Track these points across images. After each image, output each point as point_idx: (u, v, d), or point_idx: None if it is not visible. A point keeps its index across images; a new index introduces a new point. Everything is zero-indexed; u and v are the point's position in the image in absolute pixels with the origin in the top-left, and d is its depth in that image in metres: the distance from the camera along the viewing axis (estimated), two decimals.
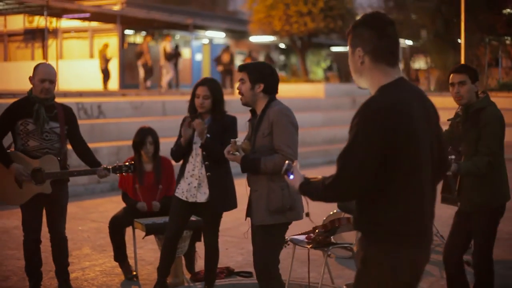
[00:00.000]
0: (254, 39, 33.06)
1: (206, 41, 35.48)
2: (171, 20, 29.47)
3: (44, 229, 6.24)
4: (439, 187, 7.26)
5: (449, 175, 5.40)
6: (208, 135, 5.79)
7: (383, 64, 3.19)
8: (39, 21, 27.98)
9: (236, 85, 5.23)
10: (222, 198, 5.95)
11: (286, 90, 24.59)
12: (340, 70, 36.70)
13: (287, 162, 3.51)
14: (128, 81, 29.72)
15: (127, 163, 6.28)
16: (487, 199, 5.27)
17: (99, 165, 6.20)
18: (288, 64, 38.48)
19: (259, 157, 4.92)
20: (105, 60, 26.23)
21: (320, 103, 22.46)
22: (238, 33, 34.00)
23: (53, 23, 28.48)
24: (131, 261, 7.05)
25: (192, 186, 5.95)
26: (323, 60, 39.40)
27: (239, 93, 5.13)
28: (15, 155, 5.97)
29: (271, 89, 5.10)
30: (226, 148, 5.10)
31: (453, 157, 5.32)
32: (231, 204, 6.03)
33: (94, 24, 29.88)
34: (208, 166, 5.88)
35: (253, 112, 5.20)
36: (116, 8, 28.75)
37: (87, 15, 25.82)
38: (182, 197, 5.98)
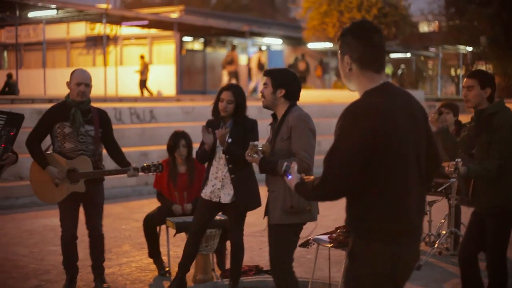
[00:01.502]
0: (312, 45, 33.26)
1: (263, 47, 35.82)
2: (228, 27, 29.90)
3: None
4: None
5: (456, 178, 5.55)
6: (230, 140, 6.07)
7: (369, 71, 3.37)
8: (100, 29, 28.75)
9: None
10: (245, 198, 6.21)
11: (339, 96, 24.76)
12: (401, 76, 36.63)
13: (285, 163, 3.75)
14: (185, 87, 30.28)
15: (155, 163, 6.59)
16: (499, 201, 5.39)
17: (129, 166, 6.53)
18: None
19: (276, 159, 5.15)
20: (145, 72, 26.98)
21: None
22: (295, 40, 34.24)
23: (114, 30, 29.27)
24: (165, 258, 7.36)
25: (216, 187, 6.23)
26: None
27: (262, 96, 5.39)
28: (51, 156, 6.36)
29: (292, 95, 5.34)
30: (247, 151, 5.36)
31: (459, 160, 5.47)
32: (255, 203, 6.29)
33: (153, 31, 30.51)
34: (232, 168, 6.15)
35: (274, 116, 5.45)
36: (174, 15, 29.31)
37: (145, 22, 26.42)
38: (205, 198, 6.26)
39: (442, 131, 5.82)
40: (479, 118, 5.46)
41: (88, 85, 6.37)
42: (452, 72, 43.18)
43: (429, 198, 8.30)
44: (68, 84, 6.38)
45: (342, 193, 3.35)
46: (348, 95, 24.47)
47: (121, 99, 20.58)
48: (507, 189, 5.38)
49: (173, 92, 28.14)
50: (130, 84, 28.34)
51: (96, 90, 27.79)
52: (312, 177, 3.55)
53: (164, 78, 29.20)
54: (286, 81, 5.32)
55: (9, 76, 25.17)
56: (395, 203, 3.26)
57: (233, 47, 28.45)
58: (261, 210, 6.50)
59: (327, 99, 24.37)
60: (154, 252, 7.29)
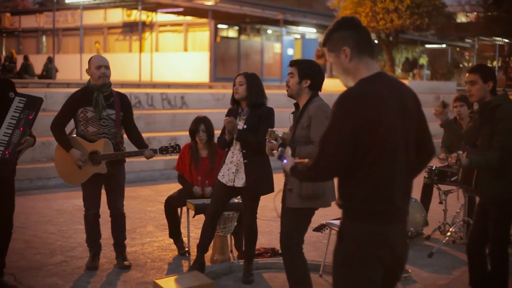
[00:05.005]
0: None
1: (297, 36, 35.98)
2: (262, 15, 30.11)
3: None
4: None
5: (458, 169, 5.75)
6: (245, 126, 6.34)
7: (365, 56, 3.58)
8: (137, 15, 29.17)
9: None
10: (258, 183, 6.46)
11: None
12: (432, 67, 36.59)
13: (280, 148, 4.00)
14: (220, 74, 30.57)
15: (172, 144, 6.87)
16: (501, 190, 5.57)
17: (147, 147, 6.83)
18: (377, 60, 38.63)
19: (295, 146, 5.40)
20: None
21: None
22: None
23: (149, 17, 29.63)
24: (185, 239, 7.67)
25: (231, 171, 6.51)
26: (418, 56, 39.32)
27: (287, 85, 5.64)
28: (74, 140, 6.70)
29: (316, 86, 5.58)
30: (266, 137, 5.63)
31: (460, 152, 5.68)
32: (268, 188, 6.53)
33: (189, 18, 30.82)
34: (246, 154, 6.42)
35: (296, 105, 5.71)
36: (209, 3, 29.58)
37: (180, 9, 26.74)
38: (222, 181, 6.54)
39: (446, 124, 6.01)
40: (483, 111, 5.65)
41: (107, 67, 6.68)
42: (489, 64, 42.91)
43: (444, 187, 8.52)
44: (88, 70, 6.70)
45: (334, 174, 3.58)
46: None
47: (155, 85, 20.93)
48: (509, 178, 5.56)
49: (207, 79, 28.45)
50: (165, 70, 28.73)
51: (132, 75, 28.17)
52: (306, 160, 3.78)
53: (198, 65, 29.55)
54: (312, 72, 5.56)
55: (49, 59, 25.69)
56: (379, 185, 3.45)
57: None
58: None
59: None
60: (174, 232, 7.60)
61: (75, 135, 6.77)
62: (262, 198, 6.60)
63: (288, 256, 5.59)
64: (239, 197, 6.92)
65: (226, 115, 6.57)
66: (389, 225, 3.52)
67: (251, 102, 6.43)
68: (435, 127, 6.09)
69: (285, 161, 3.88)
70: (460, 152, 5.69)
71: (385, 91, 3.50)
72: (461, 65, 46.25)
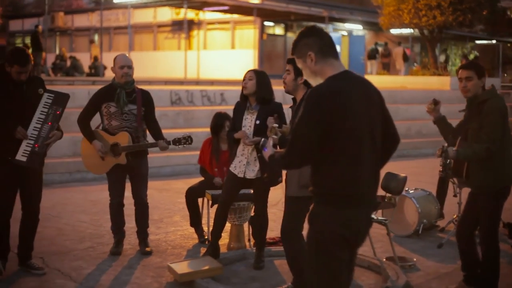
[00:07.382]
0: (394, 31, 33.40)
1: (344, 33, 36.15)
2: (309, 13, 30.39)
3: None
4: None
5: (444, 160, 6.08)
6: (258, 121, 6.72)
7: (330, 58, 3.97)
8: (186, 13, 29.77)
9: None
10: (269, 175, 6.84)
11: (413, 82, 24.95)
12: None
13: (263, 139, 4.41)
14: (266, 71, 30.75)
15: (185, 136, 7.29)
16: (491, 181, 5.87)
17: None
18: (423, 57, 38.55)
19: None
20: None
21: (444, 95, 22.56)
22: (376, 25, 34.44)
23: (197, 15, 30.17)
24: (206, 228, 8.12)
25: (242, 163, 6.91)
26: (468, 52, 39.11)
27: (284, 82, 6.02)
28: (97, 133, 7.22)
29: None
30: (267, 132, 6.01)
31: (445, 144, 5.98)
32: (278, 180, 6.93)
33: (236, 16, 31.28)
34: (258, 149, 6.81)
35: (294, 100, 6.08)
36: (255, 1, 29.99)
37: (226, 8, 27.21)
38: (234, 172, 6.95)
39: (439, 120, 6.33)
40: (472, 105, 5.96)
41: (130, 67, 7.16)
42: None
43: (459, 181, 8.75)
44: (113, 68, 7.20)
45: (304, 162, 3.96)
46: (422, 81, 24.66)
47: (198, 82, 21.44)
48: (497, 170, 5.86)
49: None
50: (212, 67, 29.23)
51: (179, 73, 28.47)
52: (282, 150, 4.18)
53: (245, 63, 29.98)
54: None
55: (95, 59, 26.53)
56: (346, 172, 3.80)
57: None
58: None
59: (401, 85, 24.64)
60: (195, 221, 8.06)
61: (99, 129, 7.27)
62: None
63: (287, 241, 5.97)
64: None
65: (234, 109, 6.96)
66: (355, 208, 3.87)
67: (260, 97, 6.79)
68: (431, 125, 6.40)
69: (266, 150, 4.28)
70: (446, 144, 6.00)
71: (350, 85, 3.88)
72: None
